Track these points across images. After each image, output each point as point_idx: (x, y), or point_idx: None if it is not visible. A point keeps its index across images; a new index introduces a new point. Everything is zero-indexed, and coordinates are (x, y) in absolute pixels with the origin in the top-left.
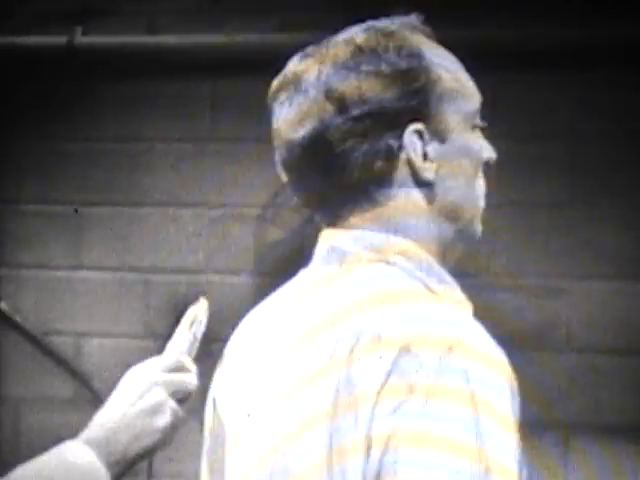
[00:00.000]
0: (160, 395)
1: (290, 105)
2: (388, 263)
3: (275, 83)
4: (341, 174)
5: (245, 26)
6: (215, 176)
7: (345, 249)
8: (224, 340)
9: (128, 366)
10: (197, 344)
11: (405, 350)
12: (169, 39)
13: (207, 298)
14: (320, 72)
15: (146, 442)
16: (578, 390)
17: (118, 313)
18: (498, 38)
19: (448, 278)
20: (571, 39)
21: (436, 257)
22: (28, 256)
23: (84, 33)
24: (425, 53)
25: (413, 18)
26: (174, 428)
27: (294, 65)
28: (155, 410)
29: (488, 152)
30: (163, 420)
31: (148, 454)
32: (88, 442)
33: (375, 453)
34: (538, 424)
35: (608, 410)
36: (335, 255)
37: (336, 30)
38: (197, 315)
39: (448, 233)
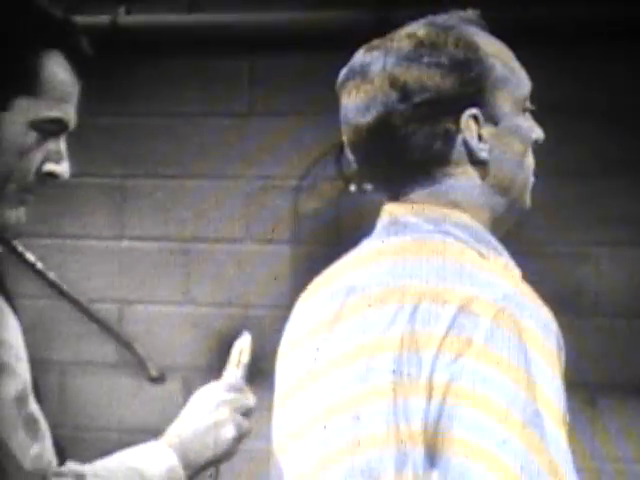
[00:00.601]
0: (225, 412)
1: (357, 93)
2: (445, 233)
3: (343, 73)
4: (403, 155)
5: (281, 4)
6: (253, 149)
7: (407, 221)
8: (264, 305)
9: (169, 331)
10: (246, 370)
11: (464, 308)
12: (209, 17)
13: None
14: (385, 63)
15: (213, 452)
16: (606, 352)
17: (159, 281)
18: (525, 17)
19: (499, 246)
20: (600, 15)
21: (488, 227)
22: (74, 227)
23: (127, 13)
24: (480, 45)
25: (470, 13)
26: (239, 439)
27: (361, 57)
28: (221, 425)
29: (537, 133)
30: (228, 433)
31: (215, 462)
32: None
33: (435, 401)
34: (567, 385)
35: (635, 371)
36: (397, 226)
37: (372, 9)
38: (243, 346)
39: (500, 206)
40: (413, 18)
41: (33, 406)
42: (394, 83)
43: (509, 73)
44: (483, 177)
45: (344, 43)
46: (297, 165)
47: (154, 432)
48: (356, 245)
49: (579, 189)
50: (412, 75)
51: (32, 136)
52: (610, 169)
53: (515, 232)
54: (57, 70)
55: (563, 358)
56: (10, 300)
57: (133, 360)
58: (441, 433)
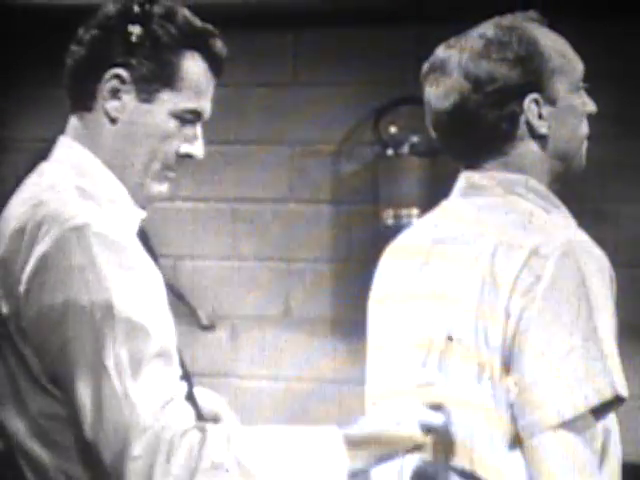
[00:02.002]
0: (411, 408)
1: (438, 84)
2: (515, 194)
3: (426, 66)
4: (477, 133)
5: None
6: (295, 116)
7: (482, 184)
8: (305, 259)
9: (218, 283)
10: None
11: (534, 252)
12: None
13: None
14: (460, 59)
15: (393, 448)
16: (623, 298)
17: (209, 238)
18: None
19: (558, 203)
20: None
21: (547, 187)
22: None
23: None
24: (540, 40)
25: (531, 13)
26: (427, 433)
27: (440, 53)
28: (403, 422)
29: (589, 106)
30: (410, 430)
31: (396, 455)
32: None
33: (511, 322)
34: None
35: None
36: (474, 189)
37: None
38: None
39: (558, 170)
40: None
41: (174, 361)
42: (468, 76)
43: (564, 61)
44: (543, 148)
45: (384, 17)
46: (336, 131)
47: (205, 375)
48: (395, 206)
49: (600, 150)
50: (483, 69)
51: (172, 123)
52: (628, 131)
53: None
54: (195, 68)
55: (614, 288)
56: (155, 258)
57: (185, 310)
58: (516, 347)
